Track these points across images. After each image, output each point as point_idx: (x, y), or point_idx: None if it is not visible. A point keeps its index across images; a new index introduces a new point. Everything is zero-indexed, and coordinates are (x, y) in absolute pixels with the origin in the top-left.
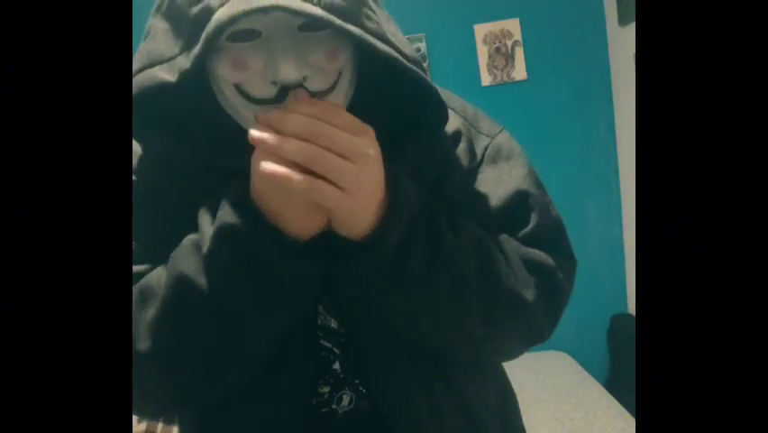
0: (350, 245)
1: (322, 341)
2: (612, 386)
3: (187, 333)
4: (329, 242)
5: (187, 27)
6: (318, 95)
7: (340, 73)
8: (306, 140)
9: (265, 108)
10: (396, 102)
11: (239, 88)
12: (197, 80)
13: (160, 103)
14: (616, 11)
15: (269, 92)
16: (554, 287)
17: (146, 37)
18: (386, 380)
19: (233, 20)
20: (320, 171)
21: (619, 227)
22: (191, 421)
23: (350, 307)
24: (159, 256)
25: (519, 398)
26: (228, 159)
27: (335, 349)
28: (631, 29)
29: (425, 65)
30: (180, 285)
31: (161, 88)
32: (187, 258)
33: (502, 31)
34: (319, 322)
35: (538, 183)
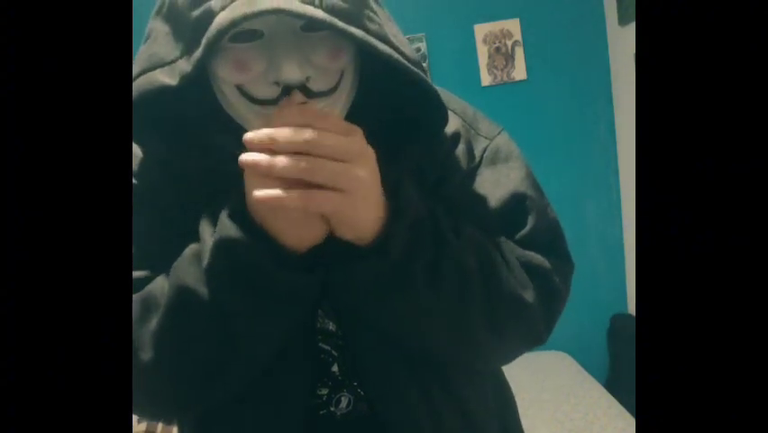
0: (355, 250)
1: (320, 344)
2: (612, 386)
3: (188, 343)
4: (331, 248)
5: (188, 30)
6: (321, 95)
7: (342, 73)
8: (297, 151)
9: (266, 108)
10: (396, 103)
11: (241, 89)
12: (198, 82)
13: (161, 106)
14: (616, 11)
15: (272, 92)
16: (551, 289)
17: (146, 40)
18: (384, 382)
19: (235, 24)
20: (316, 181)
21: (619, 227)
22: (191, 422)
23: (348, 310)
24: (160, 260)
25: (519, 398)
26: (229, 161)
27: (334, 352)
28: (631, 29)
29: (424, 65)
30: (182, 296)
31: (162, 92)
32: (188, 269)
33: (502, 31)
34: (318, 325)
35: (536, 186)
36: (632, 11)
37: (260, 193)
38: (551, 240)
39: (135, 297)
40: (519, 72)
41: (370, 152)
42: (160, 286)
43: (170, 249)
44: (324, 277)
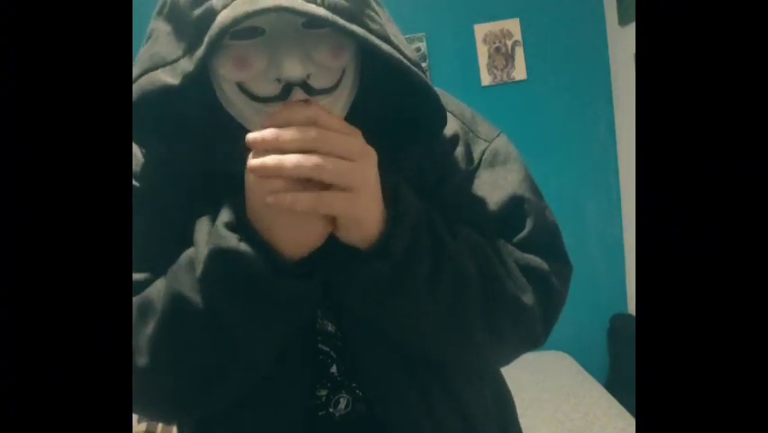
0: (356, 254)
1: (319, 345)
2: (612, 386)
3: (185, 349)
4: (333, 252)
5: (189, 29)
6: (322, 92)
7: (343, 71)
8: (302, 150)
9: (268, 106)
10: (395, 104)
11: (241, 87)
12: (199, 82)
13: (162, 106)
14: (616, 11)
15: (273, 90)
16: (550, 292)
17: (147, 40)
18: (382, 383)
19: (237, 21)
20: (325, 179)
21: (619, 227)
22: (191, 423)
23: (349, 312)
24: (160, 261)
25: (519, 398)
26: (230, 162)
27: (333, 353)
28: (631, 29)
29: (424, 65)
30: (177, 303)
31: (164, 92)
32: (184, 277)
33: (502, 31)
34: (317, 326)
35: (535, 188)
36: (632, 11)
37: (271, 197)
38: (549, 242)
39: (134, 300)
40: (519, 72)
41: (372, 152)
42: (157, 290)
43: (171, 251)
44: (322, 280)
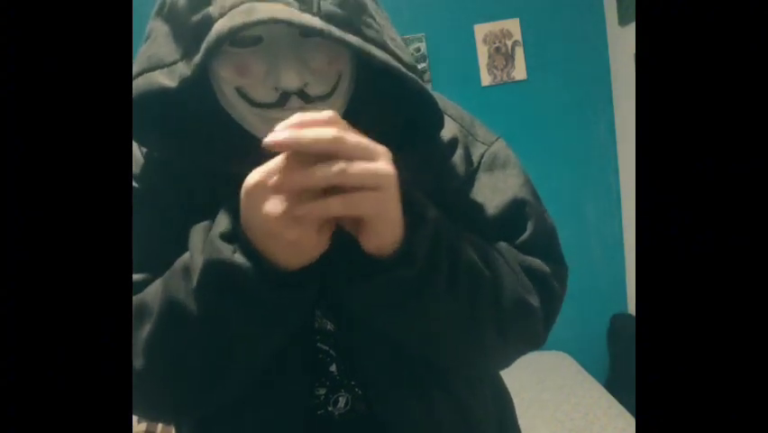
0: (376, 263)
1: (319, 344)
2: (612, 386)
3: (180, 353)
4: (335, 261)
5: (187, 33)
6: (318, 99)
7: (339, 77)
8: (323, 152)
9: (266, 111)
10: (392, 108)
11: (240, 91)
12: (199, 82)
13: (161, 106)
14: (616, 11)
15: (271, 97)
16: (550, 293)
17: (146, 39)
18: (382, 382)
19: (233, 32)
20: (353, 181)
21: (619, 227)
22: (189, 423)
23: (346, 310)
24: (159, 262)
25: (519, 398)
26: (230, 162)
27: (332, 351)
28: (631, 29)
29: (424, 65)
30: (172, 308)
31: (161, 93)
32: (179, 283)
33: (502, 31)
34: (316, 325)
35: (534, 192)
36: (632, 11)
37: (302, 209)
38: (548, 245)
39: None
40: (519, 72)
41: (386, 150)
42: (153, 293)
43: (170, 251)
44: (319, 285)
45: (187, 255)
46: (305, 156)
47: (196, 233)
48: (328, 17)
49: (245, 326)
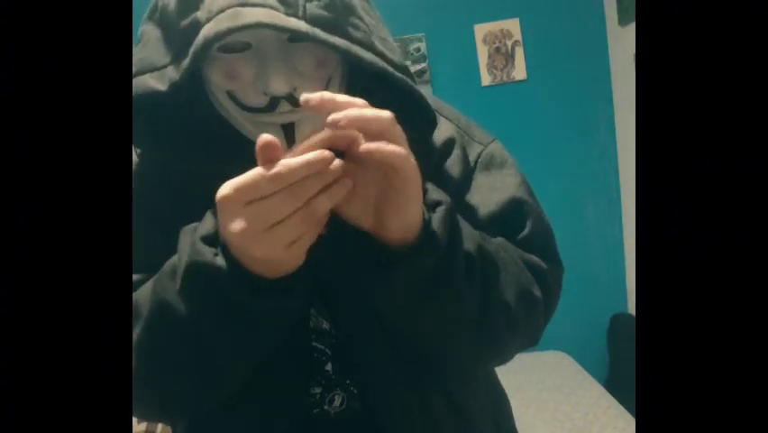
0: (398, 250)
1: (314, 343)
2: (612, 386)
3: (169, 353)
4: (359, 259)
5: (177, 37)
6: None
7: (329, 80)
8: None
9: (256, 116)
10: (383, 108)
11: (231, 95)
12: (193, 86)
13: (153, 109)
14: (616, 11)
15: (261, 101)
16: (548, 290)
17: (138, 42)
18: (378, 381)
19: (219, 37)
20: (387, 160)
21: (619, 227)
22: (184, 422)
23: (342, 308)
24: (154, 263)
25: (519, 398)
26: (222, 165)
27: (327, 350)
28: (631, 29)
29: (424, 65)
30: (162, 309)
31: (153, 96)
32: (168, 284)
33: (502, 31)
34: (311, 324)
35: (531, 192)
36: (632, 11)
37: (336, 191)
38: (545, 244)
39: None
40: (519, 72)
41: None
42: (144, 294)
43: (163, 253)
44: (316, 279)
45: (175, 257)
46: (281, 173)
47: (185, 234)
48: (314, 20)
49: (228, 328)
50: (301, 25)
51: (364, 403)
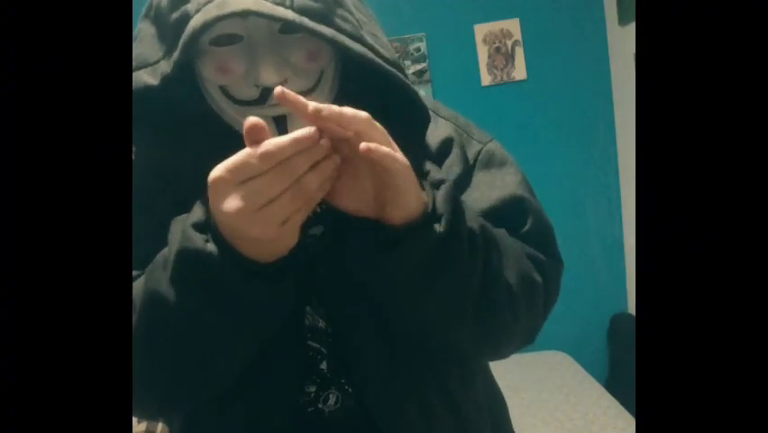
0: (401, 229)
1: (309, 341)
2: (612, 386)
3: (162, 346)
4: (361, 241)
5: (169, 32)
6: (300, 95)
7: (321, 73)
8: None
9: (248, 109)
10: (378, 106)
11: (224, 90)
12: (187, 82)
13: (149, 105)
14: (616, 11)
15: (253, 94)
16: (548, 280)
17: (134, 40)
18: (374, 379)
19: (207, 26)
20: (379, 159)
21: (619, 227)
22: (179, 421)
23: (338, 307)
24: (148, 259)
25: (519, 398)
26: (216, 160)
27: (323, 349)
28: (631, 29)
29: (424, 65)
30: (154, 300)
31: (147, 91)
32: (160, 274)
33: (502, 31)
34: (307, 323)
35: (531, 190)
36: (632, 11)
37: (324, 167)
38: (545, 242)
39: None
40: (519, 72)
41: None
42: (137, 287)
43: (157, 248)
44: (296, 282)
45: (167, 248)
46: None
47: (176, 224)
48: (302, 10)
49: (220, 317)
50: (288, 14)
51: (359, 402)
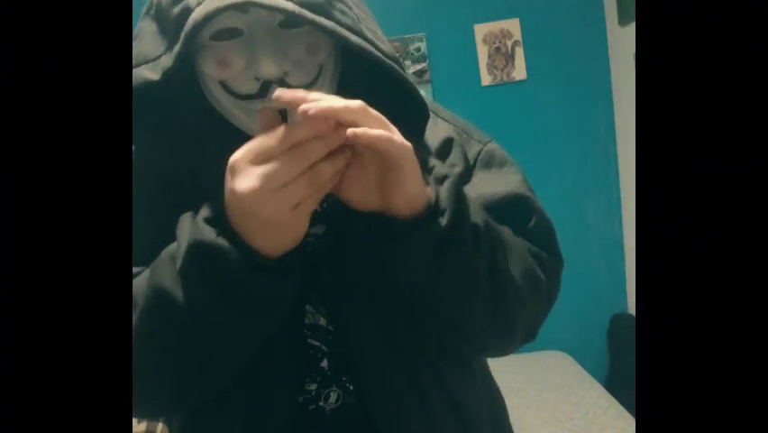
0: (406, 222)
1: (310, 339)
2: (612, 386)
3: (165, 343)
4: (367, 235)
5: (170, 27)
6: (300, 88)
7: (321, 68)
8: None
9: (249, 103)
10: (377, 102)
11: (224, 85)
12: (187, 81)
13: (148, 102)
14: (616, 11)
15: (253, 87)
16: (550, 277)
17: (135, 38)
18: (375, 377)
19: (208, 17)
20: (376, 144)
21: (619, 227)
22: (179, 420)
23: (339, 305)
24: (148, 257)
25: (519, 398)
26: (217, 158)
27: (324, 347)
28: (631, 29)
29: (424, 65)
30: (158, 297)
31: (148, 87)
32: (165, 269)
33: (502, 31)
34: (307, 321)
35: (532, 190)
36: (632, 11)
37: (339, 159)
38: (546, 239)
39: None
40: (519, 72)
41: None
42: (139, 285)
43: (157, 246)
44: (300, 279)
45: (173, 245)
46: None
47: (184, 219)
48: (302, 3)
49: (227, 311)
50: (289, 5)
51: (360, 400)
